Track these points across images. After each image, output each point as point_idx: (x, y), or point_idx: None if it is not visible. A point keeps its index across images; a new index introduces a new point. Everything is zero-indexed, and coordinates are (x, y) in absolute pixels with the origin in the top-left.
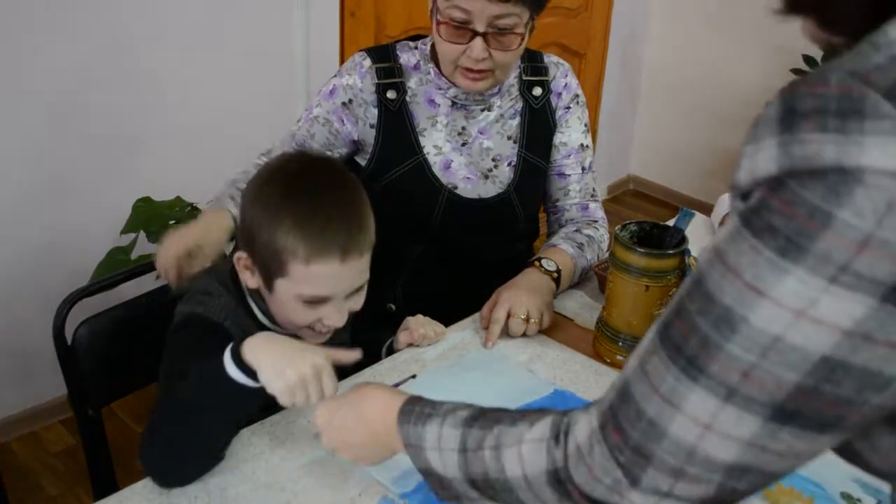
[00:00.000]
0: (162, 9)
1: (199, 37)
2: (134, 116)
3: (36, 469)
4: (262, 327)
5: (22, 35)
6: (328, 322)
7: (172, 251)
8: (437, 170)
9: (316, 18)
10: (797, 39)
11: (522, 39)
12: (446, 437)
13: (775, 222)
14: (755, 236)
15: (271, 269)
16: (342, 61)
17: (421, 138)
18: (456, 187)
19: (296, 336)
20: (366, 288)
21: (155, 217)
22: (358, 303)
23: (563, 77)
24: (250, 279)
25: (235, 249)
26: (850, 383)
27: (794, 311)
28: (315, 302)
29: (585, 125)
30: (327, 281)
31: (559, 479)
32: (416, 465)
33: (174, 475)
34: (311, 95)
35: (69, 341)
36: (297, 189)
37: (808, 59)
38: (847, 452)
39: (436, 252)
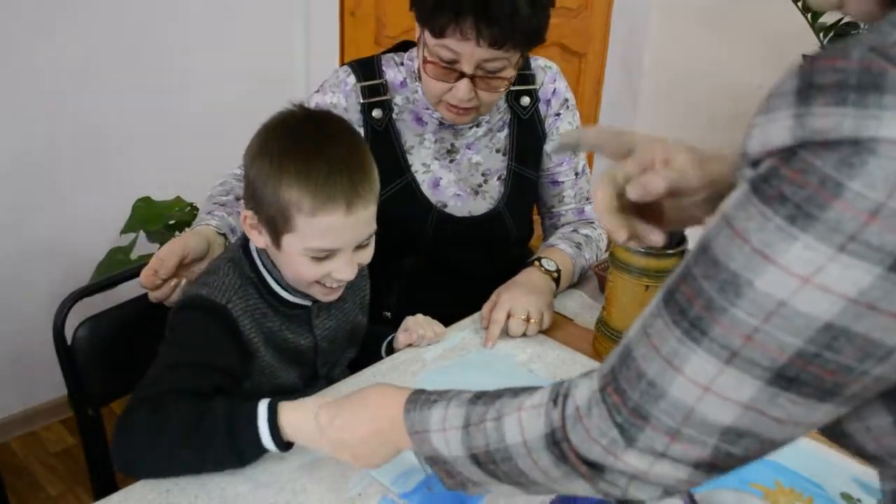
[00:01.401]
0: (162, 9)
1: (199, 36)
2: (134, 116)
3: (36, 469)
4: (273, 297)
5: (22, 33)
6: (337, 276)
7: (147, 269)
8: (425, 188)
9: (316, 18)
10: (797, 39)
11: (510, 81)
12: (451, 416)
13: (786, 190)
14: (764, 203)
15: (278, 225)
16: (342, 61)
17: (408, 156)
18: (446, 205)
19: (306, 298)
20: (374, 241)
21: (155, 217)
22: (366, 256)
23: (550, 82)
24: (258, 238)
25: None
26: (851, 351)
27: (801, 278)
28: (323, 256)
29: (577, 129)
30: (334, 233)
31: (556, 440)
32: (422, 453)
33: (142, 472)
34: (311, 95)
35: (69, 341)
36: (299, 142)
37: None
38: (839, 435)
39: (429, 264)
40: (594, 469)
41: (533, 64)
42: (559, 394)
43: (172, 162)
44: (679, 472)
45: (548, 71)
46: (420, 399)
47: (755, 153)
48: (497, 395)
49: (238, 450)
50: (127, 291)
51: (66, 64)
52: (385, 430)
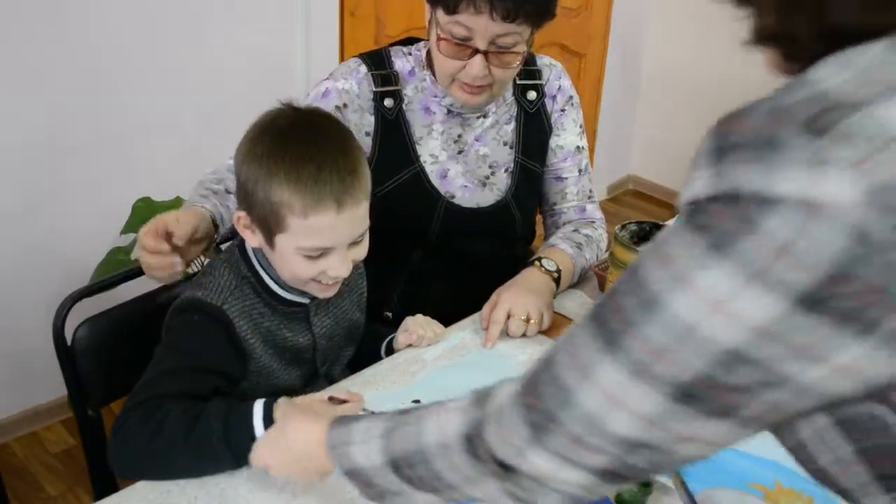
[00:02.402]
0: (162, 8)
1: (199, 36)
2: (134, 116)
3: (36, 469)
4: (271, 295)
5: (21, 35)
6: (332, 273)
7: (149, 227)
8: (434, 179)
9: (316, 18)
10: None
11: (522, 57)
12: (374, 427)
13: (710, 222)
14: (692, 231)
15: (270, 225)
16: (342, 60)
17: (418, 147)
18: (453, 196)
19: (304, 296)
20: (367, 237)
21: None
22: (361, 253)
23: (556, 79)
24: (252, 238)
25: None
26: (749, 376)
27: (711, 304)
28: (317, 254)
29: (580, 127)
30: (326, 232)
31: (471, 437)
32: (341, 468)
33: (139, 475)
34: (321, 82)
35: (69, 342)
36: (288, 142)
37: None
38: (818, 472)
39: (433, 258)
40: (505, 470)
41: (538, 62)
42: (482, 395)
43: (172, 162)
44: (581, 478)
45: (553, 68)
46: (348, 418)
47: (686, 201)
48: (427, 405)
49: (235, 450)
50: (127, 292)
51: (66, 64)
52: (313, 457)
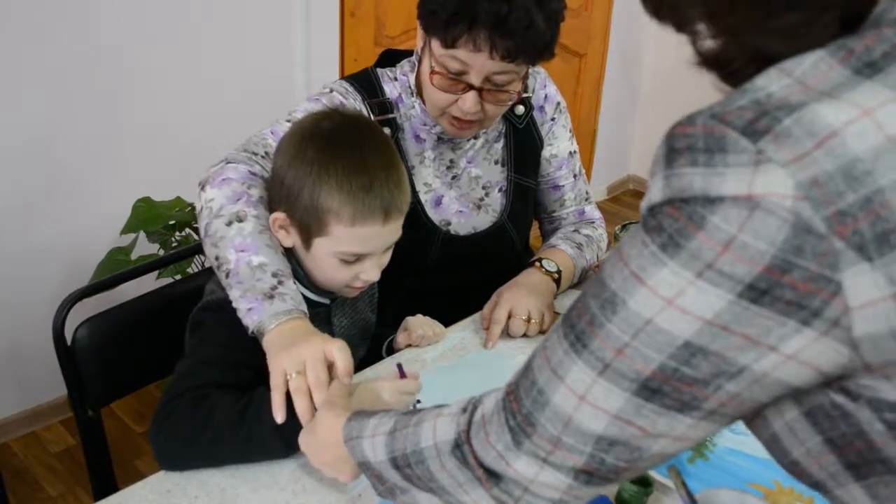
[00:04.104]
0: (161, 9)
1: (199, 36)
2: (133, 116)
3: (36, 469)
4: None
5: (21, 34)
6: (365, 277)
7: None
8: (429, 209)
9: (316, 18)
10: None
11: (517, 95)
12: (382, 424)
13: (662, 223)
14: (646, 233)
15: (312, 229)
16: (342, 61)
17: (413, 178)
18: (449, 223)
19: (326, 296)
20: (394, 244)
21: (155, 217)
22: (388, 257)
23: (541, 88)
24: (285, 238)
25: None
26: (706, 367)
27: (665, 299)
28: (353, 260)
29: (570, 130)
30: (369, 240)
31: (459, 443)
32: (354, 460)
33: (183, 465)
34: (329, 95)
35: (69, 341)
36: (338, 149)
37: None
38: (793, 466)
39: (428, 282)
40: (491, 476)
41: None
42: (471, 403)
43: (172, 162)
44: (560, 480)
45: (537, 77)
46: (362, 413)
47: (644, 208)
48: (429, 408)
49: (285, 438)
50: (127, 291)
51: (67, 65)
52: (340, 451)
